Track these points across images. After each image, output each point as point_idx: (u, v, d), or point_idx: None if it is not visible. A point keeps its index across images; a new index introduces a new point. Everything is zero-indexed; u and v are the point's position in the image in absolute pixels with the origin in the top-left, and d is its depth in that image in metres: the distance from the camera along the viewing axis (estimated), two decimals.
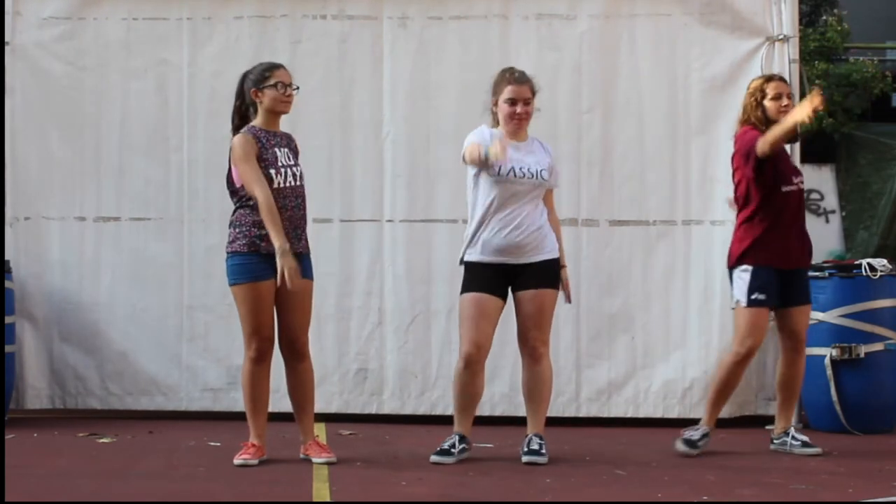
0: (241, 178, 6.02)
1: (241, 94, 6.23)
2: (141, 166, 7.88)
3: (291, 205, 6.08)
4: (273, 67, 6.21)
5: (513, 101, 6.23)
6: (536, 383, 6.27)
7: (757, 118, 6.56)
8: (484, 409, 7.53)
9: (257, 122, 6.16)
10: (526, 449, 6.20)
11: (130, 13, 7.88)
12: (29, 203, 7.85)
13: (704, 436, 6.59)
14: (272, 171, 6.05)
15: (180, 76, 7.88)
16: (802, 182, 6.65)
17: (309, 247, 6.18)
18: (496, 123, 6.32)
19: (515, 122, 6.24)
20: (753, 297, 6.47)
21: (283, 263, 5.86)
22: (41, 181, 7.86)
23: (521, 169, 6.17)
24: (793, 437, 6.61)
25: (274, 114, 6.18)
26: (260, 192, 5.94)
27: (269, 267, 6.04)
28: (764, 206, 6.48)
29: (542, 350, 6.24)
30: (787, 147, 7.66)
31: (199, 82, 7.88)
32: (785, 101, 6.54)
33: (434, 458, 6.16)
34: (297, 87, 6.22)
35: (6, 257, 7.51)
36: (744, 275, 6.50)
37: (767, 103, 6.55)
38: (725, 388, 6.64)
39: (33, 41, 7.85)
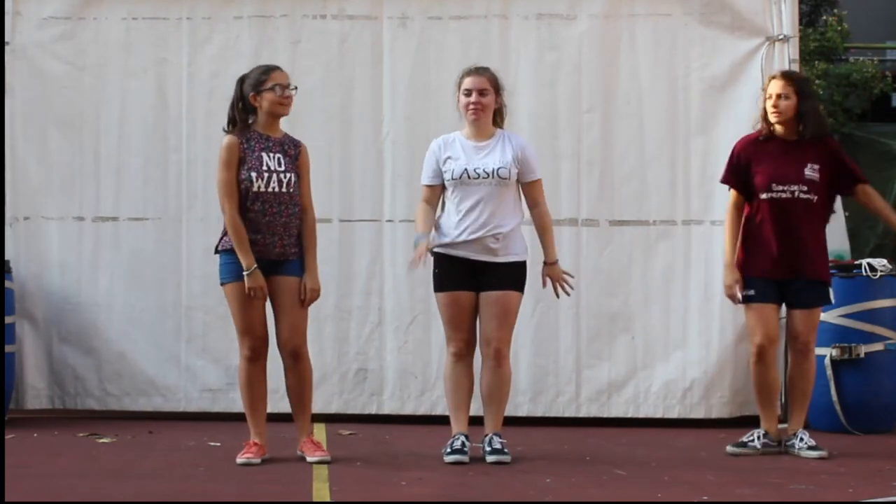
0: (217, 184, 6.12)
1: (240, 97, 6.21)
2: (140, 166, 7.87)
3: (272, 210, 6.08)
4: (269, 70, 6.20)
5: (468, 92, 6.27)
6: (499, 384, 6.29)
7: (763, 119, 6.63)
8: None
9: (257, 125, 6.17)
10: (489, 448, 6.20)
11: (130, 13, 7.87)
12: (28, 203, 7.84)
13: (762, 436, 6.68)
14: (253, 175, 6.06)
15: (180, 76, 7.88)
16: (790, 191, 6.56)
17: (298, 251, 6.16)
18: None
19: (471, 112, 6.27)
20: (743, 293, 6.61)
21: (248, 283, 6.01)
22: (40, 181, 7.86)
23: (475, 170, 6.20)
24: (800, 439, 6.60)
25: (273, 116, 6.17)
26: (227, 208, 6.07)
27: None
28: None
29: (505, 352, 6.29)
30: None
31: (199, 82, 7.87)
32: (773, 100, 6.56)
33: (451, 458, 6.12)
34: (296, 87, 6.22)
35: (6, 257, 7.51)
36: None
37: (766, 103, 6.61)
38: (757, 388, 6.70)
39: (33, 41, 7.85)
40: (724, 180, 6.74)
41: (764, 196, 6.54)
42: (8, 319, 7.40)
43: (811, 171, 6.52)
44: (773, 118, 6.56)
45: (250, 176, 6.07)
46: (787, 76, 6.64)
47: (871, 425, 7.39)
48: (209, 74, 7.87)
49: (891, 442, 7.17)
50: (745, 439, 6.65)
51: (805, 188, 6.51)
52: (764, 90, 6.69)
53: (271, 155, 6.12)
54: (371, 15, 7.87)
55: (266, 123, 6.18)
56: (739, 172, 6.62)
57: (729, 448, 6.64)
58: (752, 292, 6.57)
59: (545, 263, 6.33)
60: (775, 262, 6.53)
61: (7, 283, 7.43)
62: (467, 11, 7.86)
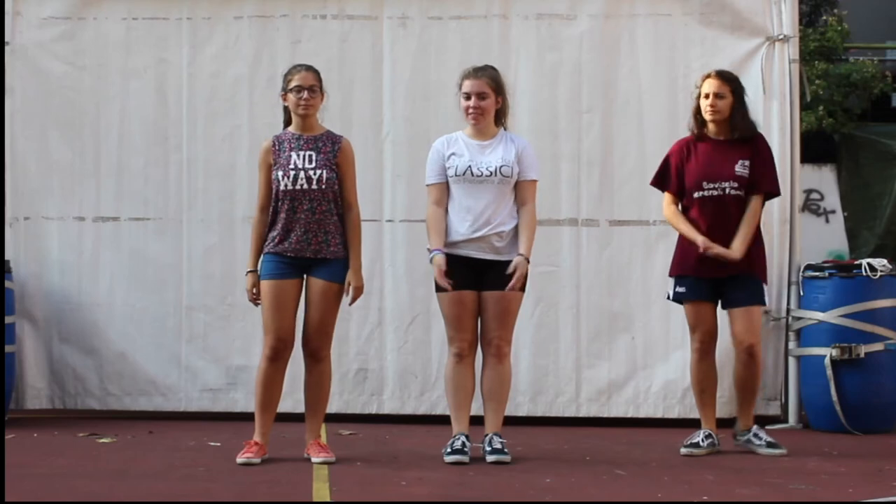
0: None
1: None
2: (140, 166, 7.88)
3: (302, 207, 6.09)
4: (294, 70, 6.22)
5: (467, 96, 6.29)
6: (500, 383, 6.30)
7: (694, 118, 6.69)
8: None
9: (292, 125, 6.23)
10: (489, 448, 6.20)
11: (130, 13, 7.88)
12: (28, 203, 7.85)
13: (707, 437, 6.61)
14: (280, 174, 6.09)
15: (180, 76, 7.88)
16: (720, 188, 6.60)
17: (340, 251, 6.15)
18: None
19: (470, 116, 6.29)
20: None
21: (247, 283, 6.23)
22: (40, 181, 7.86)
23: (478, 167, 6.22)
24: (754, 435, 6.60)
25: (297, 116, 6.18)
26: (256, 207, 6.24)
27: (291, 268, 6.08)
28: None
29: (506, 350, 6.30)
30: (787, 145, 7.70)
31: (199, 82, 7.88)
32: (711, 100, 6.60)
33: (451, 458, 6.12)
34: (319, 89, 6.18)
35: (6, 257, 7.51)
36: None
37: (701, 101, 6.65)
38: (696, 387, 6.71)
39: (33, 41, 7.86)
40: (654, 183, 6.82)
41: (696, 195, 6.61)
42: (8, 319, 7.40)
43: (742, 168, 6.56)
44: (708, 117, 6.62)
45: (278, 176, 6.11)
46: (722, 76, 6.68)
47: (871, 425, 7.39)
48: (209, 74, 7.88)
49: (891, 442, 7.17)
50: (694, 440, 6.62)
51: (735, 185, 6.56)
52: (697, 89, 6.72)
53: (300, 153, 6.13)
54: (371, 15, 7.87)
55: (297, 122, 6.21)
56: (672, 175, 6.68)
57: (682, 449, 6.57)
58: (682, 289, 6.65)
59: (519, 254, 6.26)
60: (704, 260, 6.54)
61: (7, 283, 7.44)
62: (467, 11, 7.86)
